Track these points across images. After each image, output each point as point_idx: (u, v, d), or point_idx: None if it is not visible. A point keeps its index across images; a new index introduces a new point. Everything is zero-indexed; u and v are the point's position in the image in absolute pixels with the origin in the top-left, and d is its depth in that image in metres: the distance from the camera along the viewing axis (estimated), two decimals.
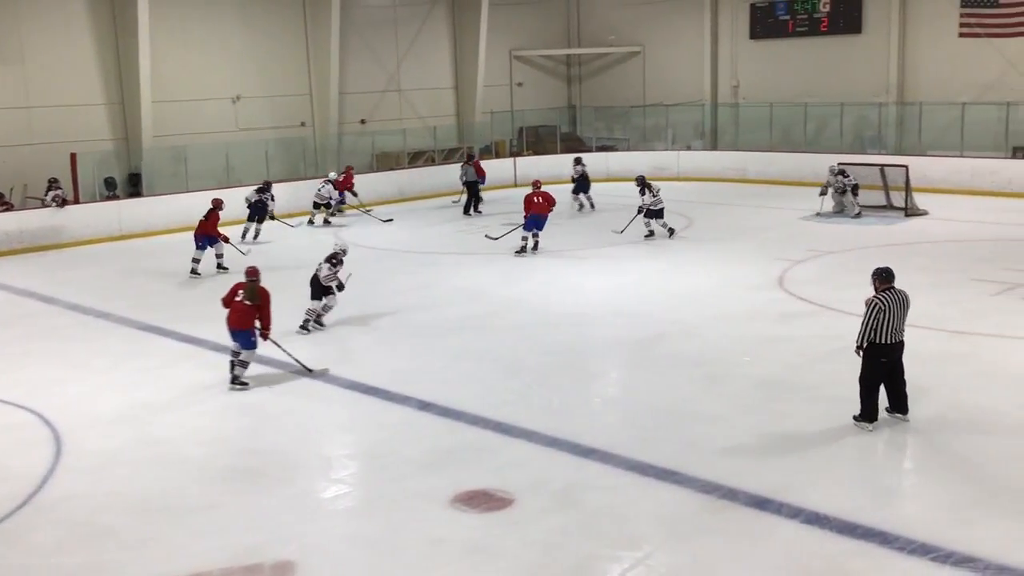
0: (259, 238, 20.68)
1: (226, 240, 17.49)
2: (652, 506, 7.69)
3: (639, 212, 19.04)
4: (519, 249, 17.90)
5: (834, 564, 6.69)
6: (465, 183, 23.82)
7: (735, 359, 11.44)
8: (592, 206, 23.12)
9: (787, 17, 29.00)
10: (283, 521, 7.65)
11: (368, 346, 12.56)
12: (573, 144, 31.59)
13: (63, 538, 7.53)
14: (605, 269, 16.77)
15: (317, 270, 13.16)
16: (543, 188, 18.34)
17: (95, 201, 22.36)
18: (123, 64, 23.85)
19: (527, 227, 17.90)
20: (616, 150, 30.91)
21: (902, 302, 8.80)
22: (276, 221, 21.20)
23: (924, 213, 20.75)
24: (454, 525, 7.48)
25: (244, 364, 10.99)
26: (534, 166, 28.32)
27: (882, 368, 8.79)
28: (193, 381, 11.28)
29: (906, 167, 21.03)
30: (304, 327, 13.06)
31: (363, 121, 28.86)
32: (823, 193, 21.20)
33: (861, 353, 8.84)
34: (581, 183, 23.16)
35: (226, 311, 11.02)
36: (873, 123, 27.17)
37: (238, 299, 10.95)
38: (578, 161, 23.55)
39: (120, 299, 15.72)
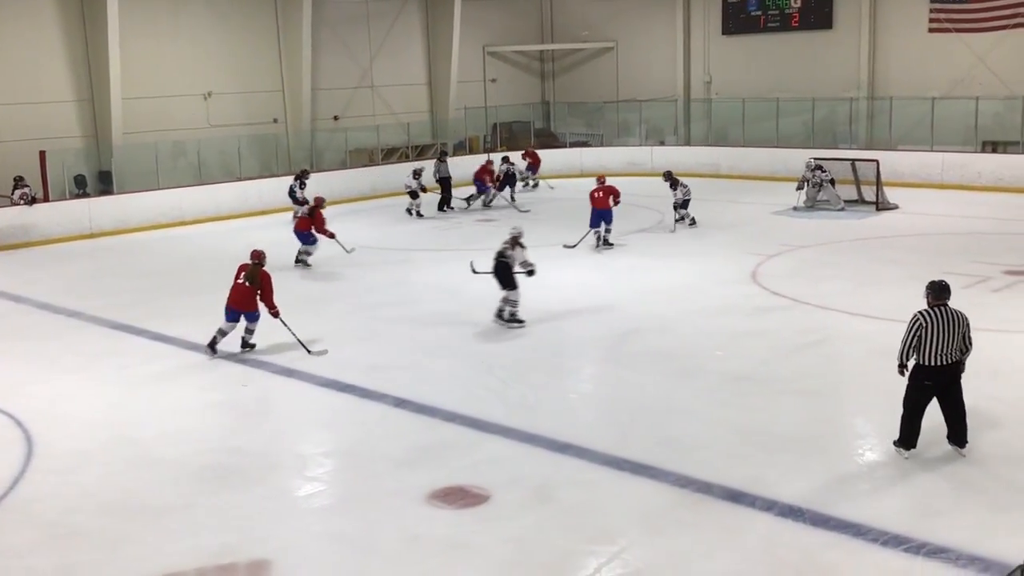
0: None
1: (332, 236, 17.30)
2: (628, 501, 7.73)
3: (675, 208, 19.49)
4: (596, 245, 17.79)
5: (808, 556, 6.74)
6: (438, 180, 23.80)
7: (709, 354, 11.50)
8: (512, 199, 23.60)
9: (759, 13, 29.16)
10: (258, 520, 7.62)
11: (344, 343, 12.51)
12: (547, 140, 31.64)
13: (35, 539, 7.45)
14: (579, 265, 16.79)
15: (503, 258, 12.72)
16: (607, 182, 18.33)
17: (65, 199, 22.12)
18: (92, 60, 23.61)
19: (593, 223, 17.77)
20: (590, 145, 30.96)
21: (952, 321, 7.93)
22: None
23: (895, 207, 20.94)
24: (430, 522, 7.47)
25: (250, 331, 11.95)
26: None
27: (926, 392, 8.06)
28: (167, 380, 11.20)
29: (877, 162, 21.21)
30: (510, 318, 12.77)
31: (336, 117, 28.74)
32: (800, 187, 21.35)
33: (905, 372, 8.16)
34: (507, 181, 23.76)
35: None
36: (844, 118, 27.37)
37: (239, 280, 11.73)
38: (505, 160, 24.15)
39: (91, 298, 15.58)
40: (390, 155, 28.43)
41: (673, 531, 7.18)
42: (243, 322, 11.90)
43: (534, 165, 26.49)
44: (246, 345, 12.00)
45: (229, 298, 11.75)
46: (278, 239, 20.50)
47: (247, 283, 11.65)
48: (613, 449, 8.64)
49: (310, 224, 17.11)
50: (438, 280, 15.95)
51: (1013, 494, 7.55)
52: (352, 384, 10.76)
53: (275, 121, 27.31)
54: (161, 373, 11.49)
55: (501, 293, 12.82)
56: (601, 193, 17.79)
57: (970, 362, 8.23)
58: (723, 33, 30.11)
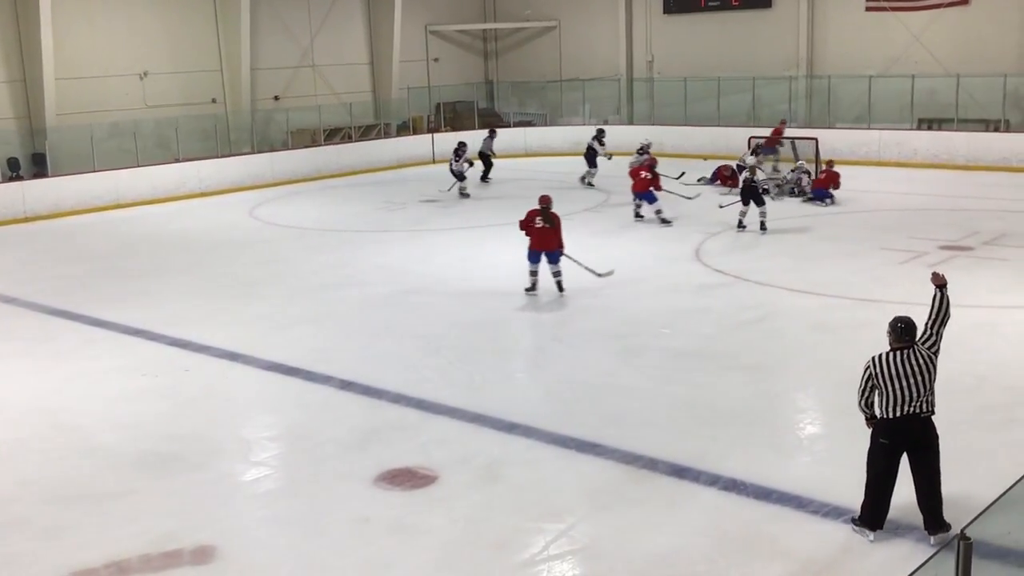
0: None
1: (659, 188, 17.78)
2: (574, 478, 7.77)
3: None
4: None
5: (751, 528, 6.85)
6: (480, 153, 23.97)
7: (653, 331, 11.59)
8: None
9: None
10: (202, 506, 7.53)
11: (288, 326, 12.40)
12: (491, 120, 31.52)
13: None
14: (523, 244, 16.74)
15: (752, 183, 16.51)
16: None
17: None
18: (24, 40, 22.96)
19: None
20: (534, 125, 30.94)
21: (915, 366, 6.35)
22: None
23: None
24: (378, 504, 7.45)
25: (558, 273, 12.94)
26: (453, 142, 28.16)
27: (884, 452, 6.47)
28: (106, 365, 11.00)
29: (815, 139, 21.49)
30: (761, 228, 16.41)
31: (277, 97, 28.35)
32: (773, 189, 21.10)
33: (871, 427, 6.70)
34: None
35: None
36: (784, 96, 27.66)
37: (537, 225, 12.79)
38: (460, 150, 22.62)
39: (27, 283, 15.24)
40: (333, 135, 28.12)
41: (619, 507, 7.24)
42: (548, 266, 12.92)
43: (774, 142, 22.60)
44: (561, 288, 12.95)
45: (531, 243, 12.87)
46: (219, 223, 20.27)
47: (546, 224, 12.74)
48: (559, 427, 8.68)
49: (649, 184, 17.41)
50: (383, 261, 15.85)
51: (950, 464, 7.71)
52: (297, 367, 10.66)
53: (214, 101, 26.82)
54: (99, 358, 11.28)
55: (742, 208, 16.67)
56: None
57: None
58: (665, 12, 30.20)
